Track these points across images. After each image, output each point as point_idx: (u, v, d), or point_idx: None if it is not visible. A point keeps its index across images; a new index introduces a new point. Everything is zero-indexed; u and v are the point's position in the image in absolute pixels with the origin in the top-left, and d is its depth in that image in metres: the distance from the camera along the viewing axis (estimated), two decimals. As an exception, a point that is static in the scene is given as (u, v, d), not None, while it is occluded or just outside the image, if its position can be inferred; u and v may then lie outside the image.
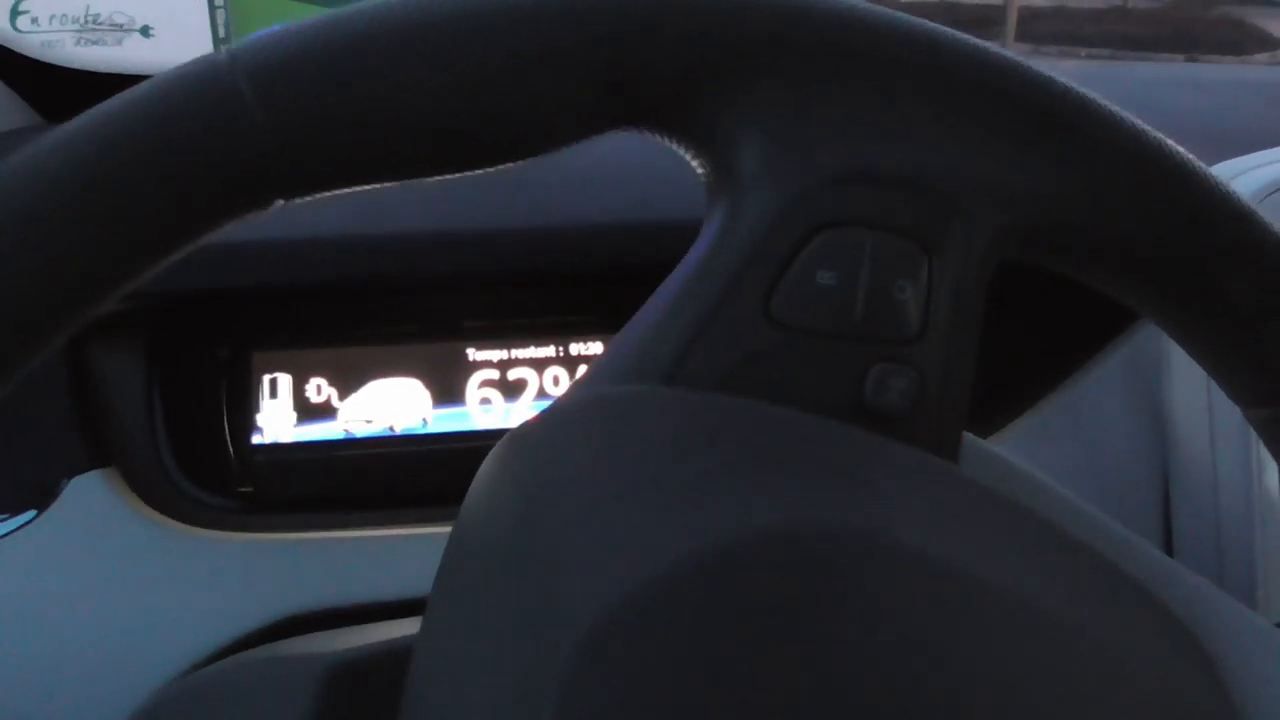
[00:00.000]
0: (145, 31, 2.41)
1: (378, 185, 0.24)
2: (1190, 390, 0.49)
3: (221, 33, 2.55)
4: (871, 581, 0.21)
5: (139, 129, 0.21)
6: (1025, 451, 0.50)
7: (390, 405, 0.53)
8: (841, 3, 0.25)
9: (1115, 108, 0.26)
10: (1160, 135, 0.27)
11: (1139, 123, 0.27)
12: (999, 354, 0.50)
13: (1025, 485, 0.28)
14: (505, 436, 0.25)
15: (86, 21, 2.24)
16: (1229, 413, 0.47)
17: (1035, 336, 0.52)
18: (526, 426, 0.24)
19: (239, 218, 0.22)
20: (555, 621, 0.19)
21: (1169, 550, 0.49)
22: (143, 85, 0.22)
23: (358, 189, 0.23)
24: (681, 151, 0.26)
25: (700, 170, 0.26)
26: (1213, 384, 0.47)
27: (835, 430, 0.24)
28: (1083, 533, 0.26)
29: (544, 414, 0.24)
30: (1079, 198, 0.26)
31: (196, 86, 0.21)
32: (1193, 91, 0.72)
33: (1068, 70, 0.73)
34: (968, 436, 0.27)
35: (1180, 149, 0.27)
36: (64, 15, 2.20)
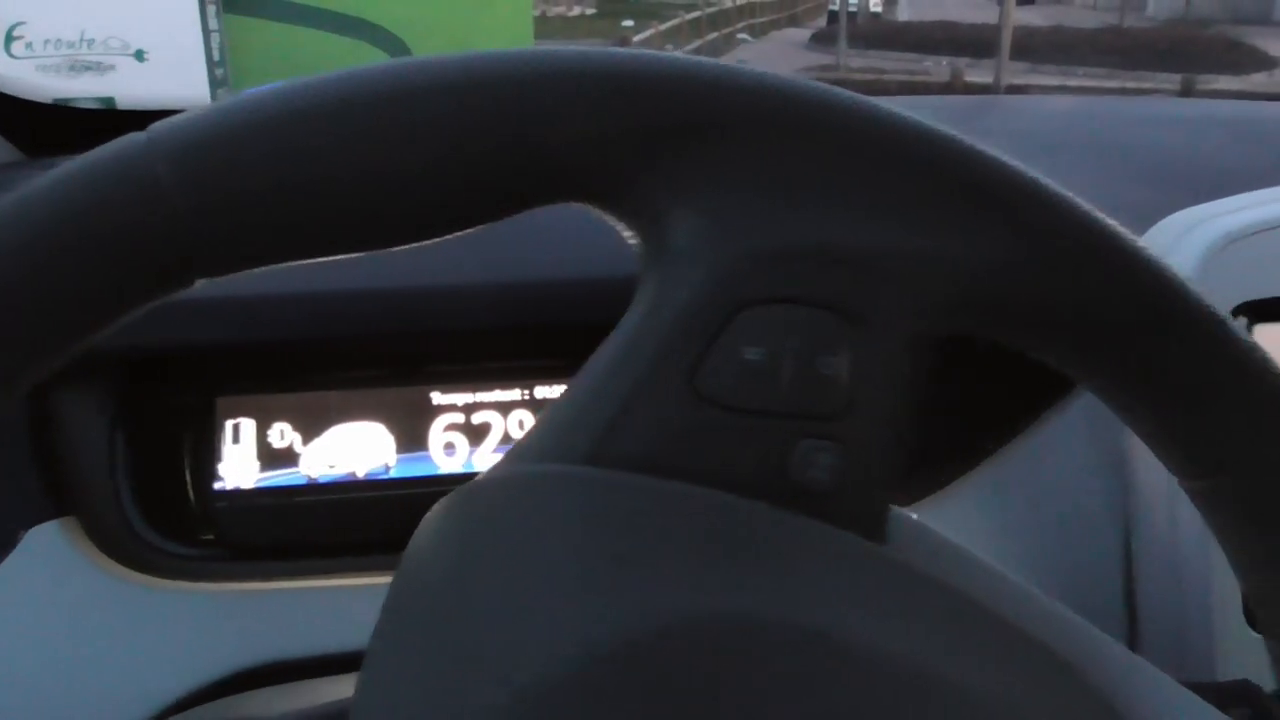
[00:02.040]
0: (139, 56, 2.43)
1: (301, 262, 0.24)
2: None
3: (216, 56, 2.56)
4: (785, 668, 0.21)
5: (61, 218, 0.21)
6: (985, 502, 0.50)
7: (353, 450, 0.53)
8: (769, 79, 0.25)
9: (1043, 180, 0.26)
10: (1090, 208, 0.27)
11: (1069, 196, 0.27)
12: (958, 406, 0.51)
13: (953, 561, 0.27)
14: (434, 507, 0.25)
15: (81, 46, 2.25)
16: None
17: (996, 387, 0.51)
18: (451, 501, 0.24)
19: (163, 297, 0.23)
20: (468, 698, 0.19)
21: (1130, 602, 0.49)
22: (66, 168, 0.22)
23: (280, 265, 0.23)
24: (616, 224, 0.26)
25: (633, 243, 0.26)
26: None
27: (754, 512, 0.24)
28: (1009, 609, 0.26)
29: (466, 490, 0.24)
30: (1006, 271, 0.26)
31: (116, 172, 0.21)
32: (1153, 128, 0.73)
33: (1053, 106, 0.73)
34: (896, 512, 0.27)
35: (1110, 221, 0.27)
36: (58, 40, 2.21)
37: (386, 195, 0.23)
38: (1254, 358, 0.27)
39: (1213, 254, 0.46)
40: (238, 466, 0.51)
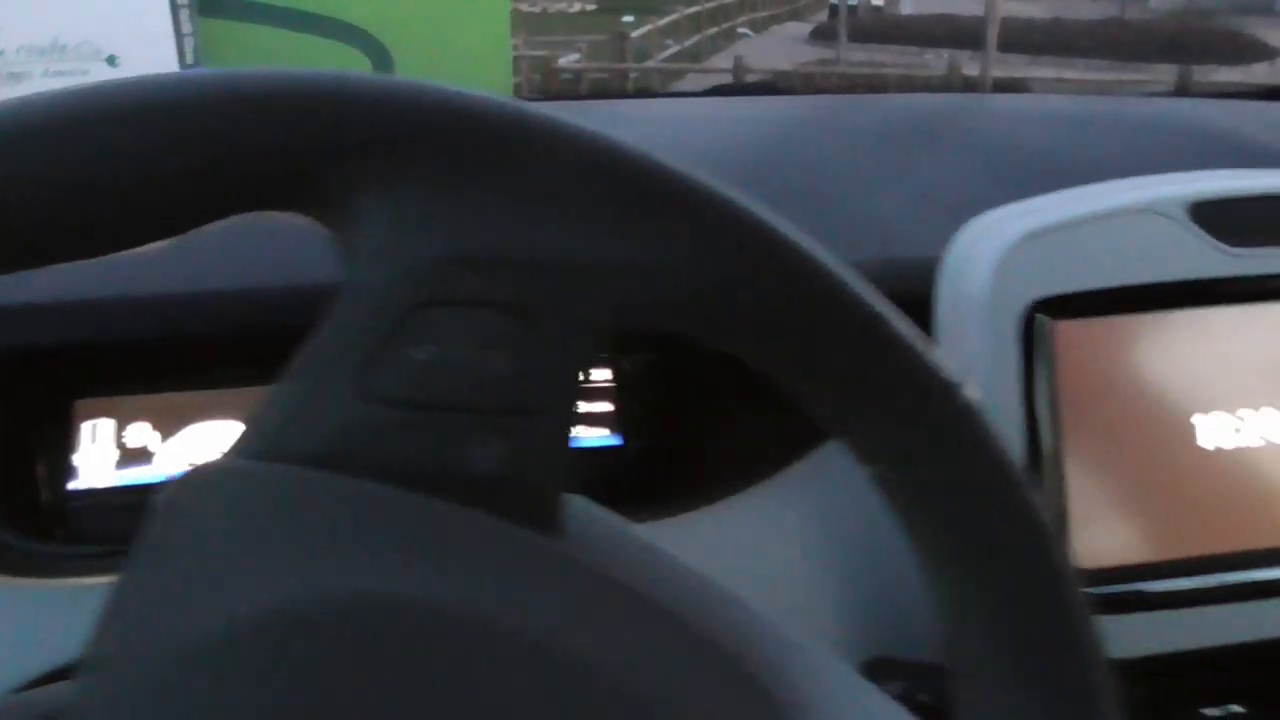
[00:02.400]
0: (111, 61, 2.45)
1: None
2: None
3: (190, 60, 2.59)
4: (431, 652, 0.23)
5: None
6: (810, 488, 0.52)
7: (209, 448, 0.55)
8: (453, 95, 0.27)
9: (718, 187, 0.28)
10: (765, 213, 0.28)
11: (744, 202, 0.28)
12: (746, 422, 0.52)
13: (628, 553, 0.29)
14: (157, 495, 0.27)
15: (54, 53, 2.27)
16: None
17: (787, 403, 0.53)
18: (163, 490, 0.26)
19: None
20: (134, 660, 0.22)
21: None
22: None
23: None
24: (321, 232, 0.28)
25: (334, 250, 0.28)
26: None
27: (412, 502, 0.26)
28: (675, 598, 0.28)
29: (175, 480, 0.26)
30: (679, 275, 0.27)
31: None
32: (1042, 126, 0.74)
33: (1047, 104, 0.74)
34: (578, 502, 0.29)
35: (782, 226, 0.28)
36: (31, 46, 2.24)
37: (96, 207, 0.24)
38: (914, 357, 0.29)
39: (1009, 254, 0.48)
40: (94, 466, 0.53)
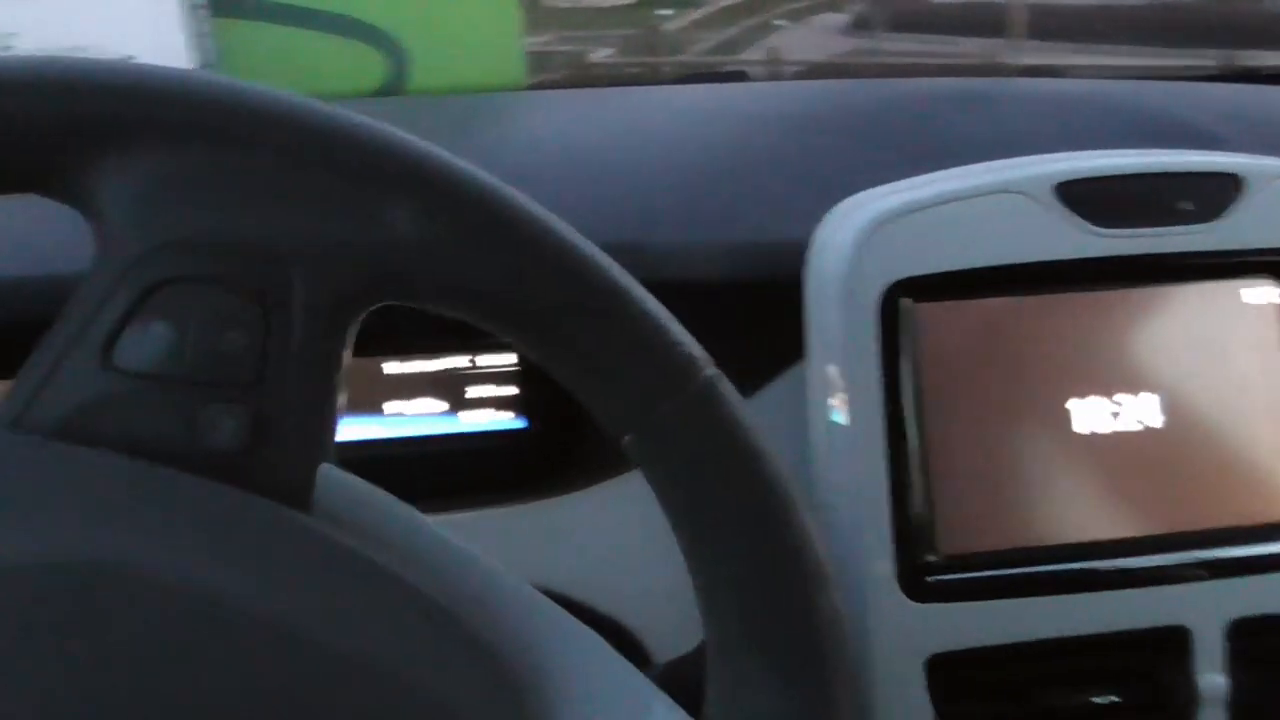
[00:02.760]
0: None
1: None
2: (817, 416, 0.51)
3: (205, 60, 2.62)
4: (149, 619, 0.24)
5: None
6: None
7: None
8: (196, 80, 0.27)
9: (451, 162, 0.28)
10: (495, 185, 0.29)
11: (475, 175, 0.29)
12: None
13: (379, 514, 0.30)
14: None
15: (73, 54, 2.32)
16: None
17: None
18: None
19: None
20: None
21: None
22: None
23: None
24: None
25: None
26: (829, 406, 0.48)
27: (145, 472, 0.26)
28: (412, 565, 0.28)
29: None
30: (410, 251, 0.28)
31: None
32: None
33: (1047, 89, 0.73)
34: (331, 471, 0.29)
35: (515, 197, 0.29)
36: (53, 49, 2.29)
37: None
38: (654, 332, 0.29)
39: (868, 234, 0.48)
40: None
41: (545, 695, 0.28)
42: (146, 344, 0.27)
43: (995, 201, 0.49)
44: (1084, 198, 0.49)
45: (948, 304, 0.49)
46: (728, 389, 0.30)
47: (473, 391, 0.56)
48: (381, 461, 0.55)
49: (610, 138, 0.63)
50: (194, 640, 0.24)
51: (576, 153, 0.60)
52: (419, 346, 0.55)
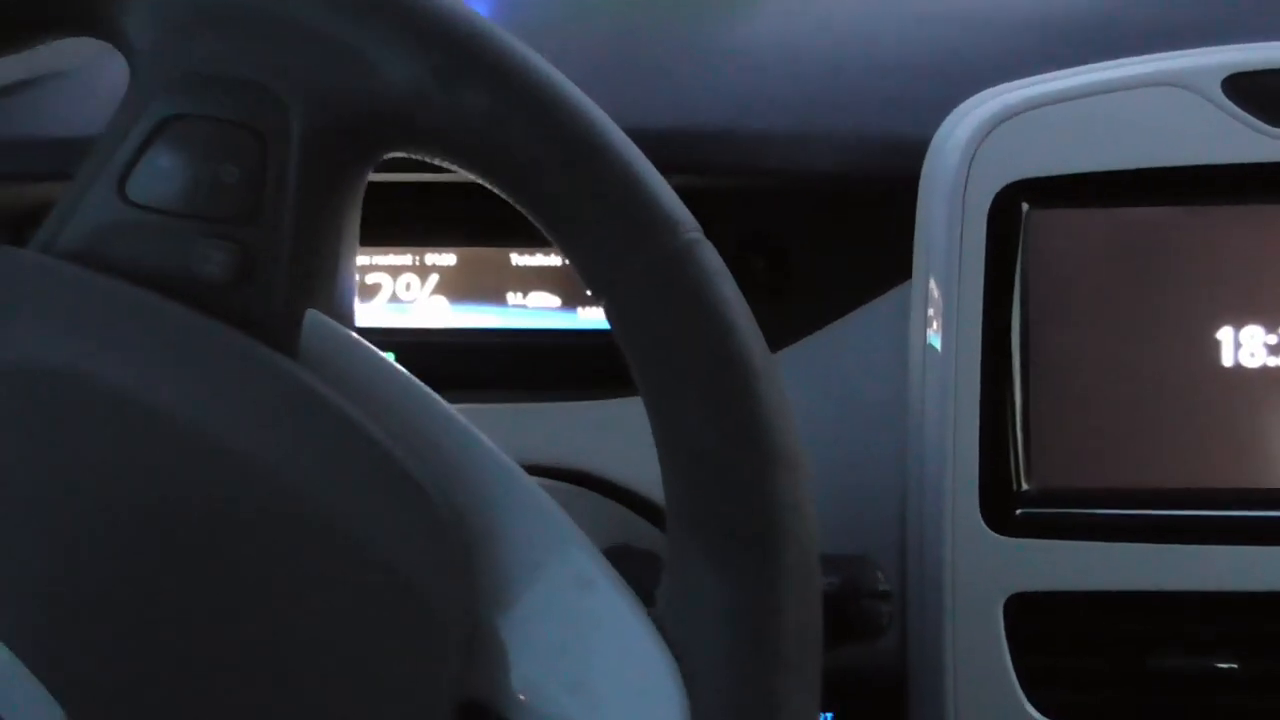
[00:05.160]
0: None
1: None
2: (916, 336, 0.47)
3: None
4: (90, 422, 0.26)
5: None
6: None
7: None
8: None
9: (452, 6, 0.28)
10: (499, 35, 0.28)
11: (475, 20, 0.28)
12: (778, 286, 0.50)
13: (363, 365, 0.30)
14: None
15: None
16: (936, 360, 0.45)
17: (827, 268, 0.51)
18: None
19: None
20: None
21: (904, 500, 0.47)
22: None
23: None
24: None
25: None
26: (928, 332, 0.45)
27: (142, 299, 0.28)
28: (386, 422, 0.29)
29: None
30: (403, 95, 0.28)
31: None
32: None
33: None
34: (316, 316, 0.30)
35: (503, 42, 0.28)
36: None
37: None
38: (636, 190, 0.28)
39: (986, 130, 0.42)
40: None
41: (489, 553, 0.29)
42: (154, 177, 0.29)
43: (1147, 96, 0.42)
44: (1261, 93, 0.42)
45: (1076, 211, 0.43)
46: (709, 255, 0.28)
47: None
48: (496, 349, 0.57)
49: (737, 24, 0.60)
50: (144, 453, 0.26)
51: (693, 36, 0.58)
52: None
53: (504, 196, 0.29)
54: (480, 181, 0.30)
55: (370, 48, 0.28)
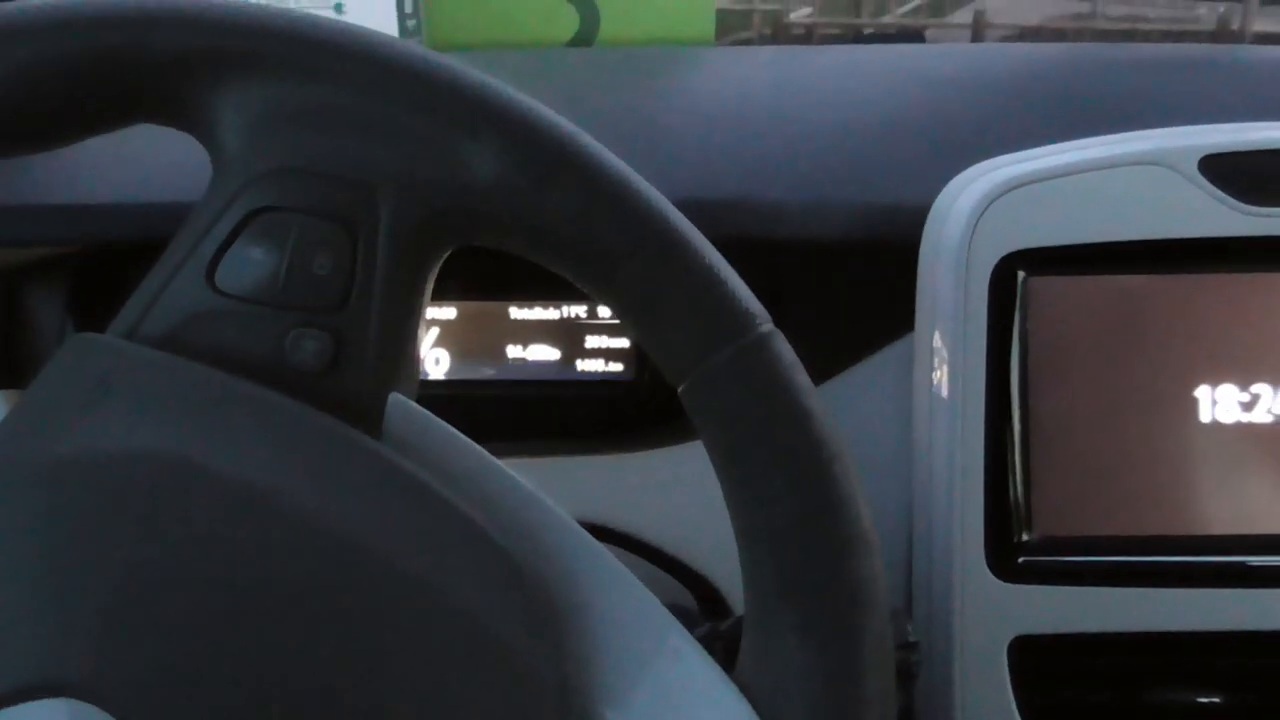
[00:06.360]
0: (338, 9, 2.64)
1: None
2: (920, 391, 0.49)
3: (408, 8, 2.74)
4: (219, 517, 0.27)
5: None
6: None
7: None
8: (298, 17, 0.30)
9: (532, 108, 0.30)
10: (576, 133, 0.30)
11: (556, 122, 0.30)
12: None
13: (442, 443, 0.32)
14: None
15: (288, 3, 2.48)
16: (942, 406, 0.48)
17: (827, 323, 0.53)
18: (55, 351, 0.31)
19: None
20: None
21: (910, 548, 0.50)
22: None
23: None
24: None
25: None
26: (933, 377, 0.47)
27: (233, 386, 0.29)
28: (468, 495, 0.30)
29: (63, 344, 0.31)
30: (490, 191, 0.29)
31: None
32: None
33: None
34: (399, 399, 0.31)
35: (593, 146, 0.30)
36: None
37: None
38: (712, 285, 0.30)
39: (986, 202, 0.46)
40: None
41: (578, 622, 0.30)
42: (245, 267, 0.30)
43: (1131, 173, 0.46)
44: (1233, 172, 0.46)
45: (1068, 279, 0.47)
46: (782, 346, 0.30)
47: (590, 341, 0.57)
48: (495, 401, 0.58)
49: (752, 94, 0.62)
50: (247, 534, 0.26)
51: (712, 107, 0.60)
52: (543, 294, 0.57)
53: (583, 287, 0.31)
54: (559, 272, 0.31)
55: (461, 144, 0.29)
